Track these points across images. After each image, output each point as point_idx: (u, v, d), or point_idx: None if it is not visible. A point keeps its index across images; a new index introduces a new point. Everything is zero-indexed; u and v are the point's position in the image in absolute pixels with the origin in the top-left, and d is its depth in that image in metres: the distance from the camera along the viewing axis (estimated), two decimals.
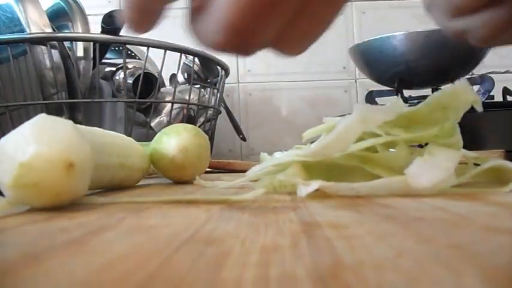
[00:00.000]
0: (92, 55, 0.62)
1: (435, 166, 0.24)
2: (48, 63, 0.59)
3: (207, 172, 0.55)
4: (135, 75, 0.64)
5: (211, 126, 0.77)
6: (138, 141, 0.40)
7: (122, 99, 0.63)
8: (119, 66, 0.66)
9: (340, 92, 1.00)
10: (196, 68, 0.80)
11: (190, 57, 0.71)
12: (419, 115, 0.26)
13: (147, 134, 0.62)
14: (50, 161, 0.21)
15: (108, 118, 0.64)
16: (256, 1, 0.17)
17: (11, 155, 0.21)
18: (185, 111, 0.70)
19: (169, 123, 0.66)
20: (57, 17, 0.65)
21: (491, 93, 0.73)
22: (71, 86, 0.61)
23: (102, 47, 0.63)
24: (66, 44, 0.61)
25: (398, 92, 0.68)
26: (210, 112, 0.75)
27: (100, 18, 0.58)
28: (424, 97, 0.25)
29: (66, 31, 0.65)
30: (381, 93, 0.80)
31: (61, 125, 0.22)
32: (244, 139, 0.91)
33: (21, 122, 0.22)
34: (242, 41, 0.18)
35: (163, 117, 0.71)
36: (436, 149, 0.25)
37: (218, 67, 0.74)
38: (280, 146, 0.88)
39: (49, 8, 0.67)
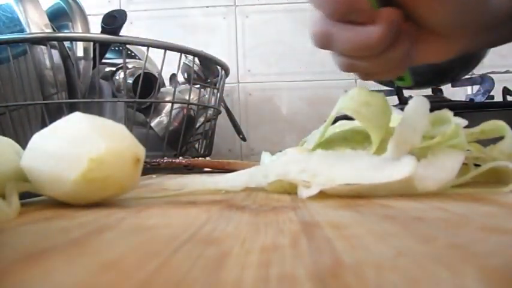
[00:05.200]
0: (92, 55, 0.62)
1: (440, 167, 0.24)
2: (48, 63, 0.59)
3: (207, 172, 0.55)
4: (135, 75, 0.64)
5: (211, 126, 0.77)
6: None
7: (122, 99, 0.63)
8: (119, 66, 0.66)
9: (340, 92, 0.99)
10: (196, 68, 0.80)
11: (190, 57, 0.71)
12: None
13: (147, 134, 0.62)
14: (121, 156, 0.22)
15: (108, 118, 0.64)
16: None
17: (73, 151, 0.21)
18: (185, 111, 0.70)
19: (169, 123, 0.66)
20: (57, 17, 0.65)
21: (491, 93, 0.73)
22: (71, 86, 0.61)
23: (102, 47, 0.63)
24: (66, 44, 0.61)
25: (398, 92, 0.68)
26: (210, 112, 0.75)
27: (100, 18, 0.58)
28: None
29: (66, 31, 0.65)
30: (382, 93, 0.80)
31: (112, 123, 0.23)
32: (244, 139, 0.91)
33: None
34: None
35: (163, 117, 0.71)
36: (439, 150, 0.25)
37: (218, 67, 0.74)
38: (280, 146, 0.88)
39: (49, 8, 0.67)
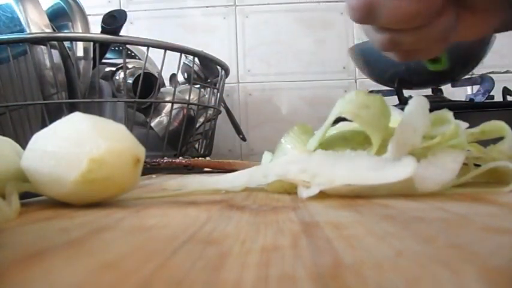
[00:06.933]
0: (92, 55, 0.62)
1: (440, 168, 0.24)
2: (48, 63, 0.59)
3: (207, 172, 0.55)
4: (135, 75, 0.64)
5: (211, 126, 0.77)
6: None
7: (122, 99, 0.63)
8: (119, 66, 0.66)
9: (340, 92, 1.00)
10: (196, 68, 0.80)
11: (190, 57, 0.71)
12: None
13: (147, 134, 0.62)
14: (121, 156, 0.22)
15: (108, 118, 0.64)
16: None
17: (73, 151, 0.21)
18: (185, 111, 0.70)
19: (169, 123, 0.66)
20: (57, 17, 0.65)
21: (491, 93, 0.73)
22: (71, 86, 0.61)
23: (102, 47, 0.63)
24: (66, 44, 0.61)
25: (398, 92, 0.68)
26: (210, 112, 0.75)
27: (100, 18, 0.58)
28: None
29: (66, 31, 0.65)
30: (381, 93, 0.80)
31: (112, 123, 0.23)
32: (244, 139, 0.91)
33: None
34: None
35: (163, 117, 0.71)
36: (439, 150, 0.25)
37: (218, 67, 0.74)
38: None
39: (49, 8, 0.67)
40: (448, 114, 0.26)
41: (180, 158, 0.61)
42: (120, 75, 0.65)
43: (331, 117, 0.27)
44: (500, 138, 0.28)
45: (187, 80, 0.84)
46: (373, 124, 0.26)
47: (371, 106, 0.26)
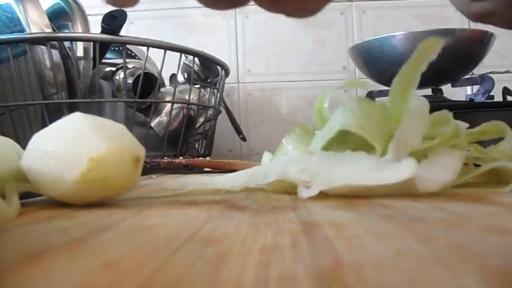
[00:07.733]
0: (92, 55, 0.62)
1: (441, 168, 0.24)
2: (48, 63, 0.59)
3: (207, 172, 0.55)
4: (135, 75, 0.64)
5: (211, 126, 0.77)
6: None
7: (122, 99, 0.63)
8: (119, 66, 0.66)
9: (340, 92, 1.00)
10: (196, 68, 0.80)
11: (190, 57, 0.71)
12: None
13: (147, 134, 0.62)
14: (121, 156, 0.22)
15: (108, 118, 0.64)
16: None
17: (72, 151, 0.21)
18: (185, 111, 0.70)
19: (169, 123, 0.66)
20: (57, 17, 0.65)
21: (491, 93, 0.73)
22: (71, 86, 0.61)
23: (102, 47, 0.63)
24: (66, 44, 0.61)
25: None
26: (210, 112, 0.75)
27: (100, 18, 0.58)
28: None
29: (66, 31, 0.65)
30: (381, 93, 0.80)
31: (112, 123, 0.23)
32: (244, 139, 0.91)
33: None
34: None
35: (163, 117, 0.71)
36: (440, 150, 0.25)
37: (218, 67, 0.74)
38: None
39: (49, 8, 0.67)
40: (448, 114, 0.26)
41: (180, 158, 0.61)
42: (120, 75, 0.65)
43: (334, 127, 0.27)
44: (500, 139, 0.28)
45: (187, 80, 0.84)
46: (377, 132, 0.26)
47: (373, 113, 0.26)
